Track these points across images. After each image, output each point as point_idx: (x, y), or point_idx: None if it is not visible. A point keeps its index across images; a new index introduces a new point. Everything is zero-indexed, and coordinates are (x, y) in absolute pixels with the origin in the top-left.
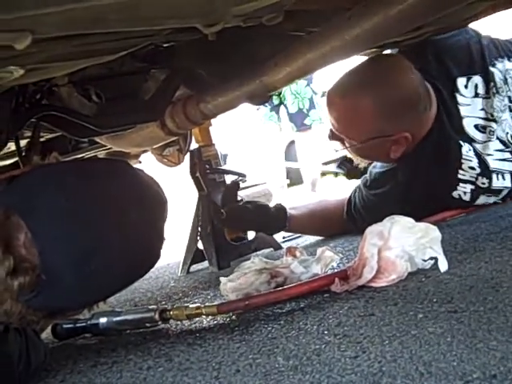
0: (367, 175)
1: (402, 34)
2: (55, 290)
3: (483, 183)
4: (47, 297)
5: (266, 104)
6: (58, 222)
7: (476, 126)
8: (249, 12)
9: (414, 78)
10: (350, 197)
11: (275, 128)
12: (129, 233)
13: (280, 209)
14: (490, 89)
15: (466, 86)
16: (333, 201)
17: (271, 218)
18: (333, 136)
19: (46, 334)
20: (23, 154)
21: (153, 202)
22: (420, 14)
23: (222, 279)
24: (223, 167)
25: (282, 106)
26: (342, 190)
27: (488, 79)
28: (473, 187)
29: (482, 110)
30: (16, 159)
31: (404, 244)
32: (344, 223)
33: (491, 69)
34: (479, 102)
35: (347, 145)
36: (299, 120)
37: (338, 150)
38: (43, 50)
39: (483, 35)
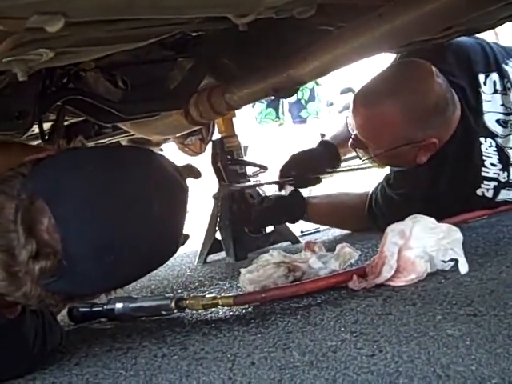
0: (389, 173)
1: (432, 34)
2: (76, 275)
3: (504, 178)
4: (67, 282)
5: (263, 100)
6: (81, 209)
7: (498, 121)
8: (281, 4)
9: (442, 83)
10: (372, 193)
11: (273, 126)
12: (152, 222)
13: (298, 198)
14: (505, 85)
15: (484, 83)
16: (353, 194)
17: (289, 210)
18: (357, 143)
19: (62, 317)
20: (46, 136)
21: (175, 192)
22: (453, 13)
23: (242, 270)
24: (244, 158)
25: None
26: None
27: (503, 76)
28: (496, 183)
29: (502, 105)
30: (39, 141)
31: (425, 244)
32: (363, 218)
33: (505, 67)
34: (498, 97)
35: (371, 151)
36: (295, 111)
37: (364, 158)
38: (74, 33)
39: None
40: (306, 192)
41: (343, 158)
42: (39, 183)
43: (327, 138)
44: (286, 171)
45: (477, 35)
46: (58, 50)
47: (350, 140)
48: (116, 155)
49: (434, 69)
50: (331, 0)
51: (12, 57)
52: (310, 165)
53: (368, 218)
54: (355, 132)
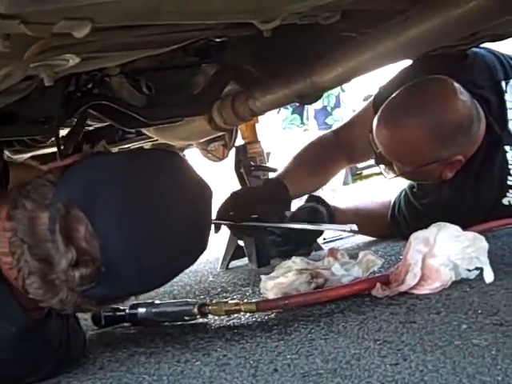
0: (413, 182)
1: (457, 39)
2: (113, 280)
3: None
4: (105, 287)
5: (288, 106)
6: (118, 215)
7: None
8: (306, 10)
9: (465, 101)
10: (395, 201)
11: (298, 132)
12: (183, 225)
13: (325, 205)
14: None
15: (506, 91)
16: (378, 201)
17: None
18: (381, 160)
19: (85, 321)
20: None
21: (203, 194)
22: (480, 18)
23: (263, 277)
24: (267, 165)
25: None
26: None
27: None
28: None
29: None
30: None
31: (450, 252)
32: (386, 225)
33: None
34: None
35: (396, 169)
36: (321, 118)
37: (389, 177)
38: (100, 39)
39: None
40: (330, 198)
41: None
42: (72, 191)
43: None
44: (222, 212)
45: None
46: (84, 55)
47: (374, 157)
48: (145, 160)
49: (456, 86)
50: (356, 6)
51: (39, 62)
52: (251, 206)
53: (391, 225)
54: (379, 150)
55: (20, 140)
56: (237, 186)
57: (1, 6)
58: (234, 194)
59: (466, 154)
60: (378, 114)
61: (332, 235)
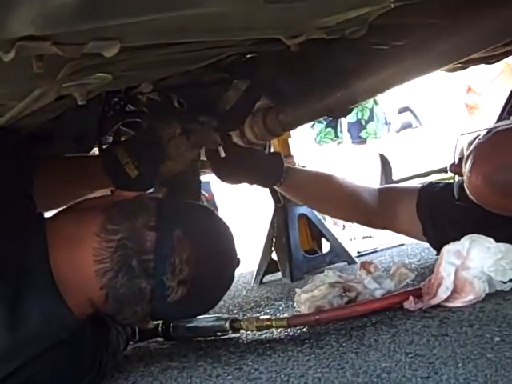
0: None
1: (490, 50)
2: (198, 302)
3: None
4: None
5: (322, 120)
6: (207, 245)
7: None
8: (332, 24)
9: None
10: (428, 197)
11: (332, 145)
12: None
13: (276, 157)
14: None
15: None
16: (360, 186)
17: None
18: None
19: None
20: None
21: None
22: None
23: (297, 290)
24: None
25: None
26: None
27: None
28: None
29: None
30: None
31: (483, 265)
32: (371, 214)
33: None
34: None
35: None
36: (355, 131)
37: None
38: (129, 58)
39: None
40: None
41: None
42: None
43: None
44: None
45: None
46: (115, 74)
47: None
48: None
49: None
50: (383, 20)
51: (71, 82)
52: None
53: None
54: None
55: None
56: (269, 201)
57: (32, 27)
58: None
59: None
60: (476, 159)
61: (365, 249)
